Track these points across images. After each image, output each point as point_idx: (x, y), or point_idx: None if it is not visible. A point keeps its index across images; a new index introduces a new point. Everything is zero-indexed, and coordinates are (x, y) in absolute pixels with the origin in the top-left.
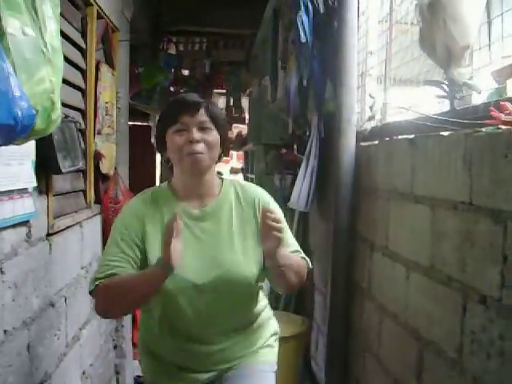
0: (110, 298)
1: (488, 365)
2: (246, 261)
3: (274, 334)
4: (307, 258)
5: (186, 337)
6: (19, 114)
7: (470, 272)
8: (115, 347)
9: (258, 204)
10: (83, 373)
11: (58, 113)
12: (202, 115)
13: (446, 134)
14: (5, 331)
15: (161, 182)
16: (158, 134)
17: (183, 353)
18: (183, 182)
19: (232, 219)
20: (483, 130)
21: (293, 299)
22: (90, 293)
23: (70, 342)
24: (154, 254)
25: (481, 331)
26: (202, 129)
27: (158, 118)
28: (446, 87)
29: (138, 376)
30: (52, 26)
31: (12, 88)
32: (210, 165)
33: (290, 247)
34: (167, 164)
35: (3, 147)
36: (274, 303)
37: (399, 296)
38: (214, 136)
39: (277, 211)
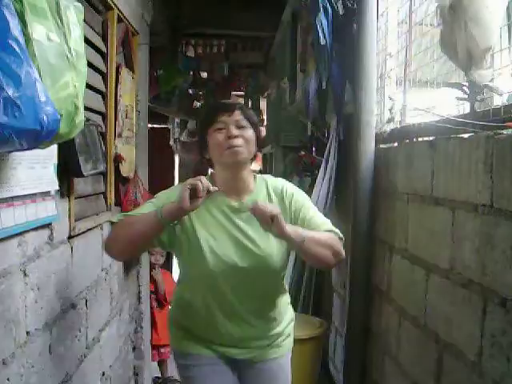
0: (119, 228)
1: (508, 368)
2: (277, 247)
3: (292, 320)
4: (336, 230)
5: (218, 313)
6: (45, 119)
7: (490, 275)
8: (134, 349)
9: (285, 194)
10: (103, 374)
11: (80, 117)
12: (238, 115)
13: (466, 136)
14: (27, 332)
15: (179, 179)
16: (200, 134)
17: (213, 328)
18: (223, 178)
19: None
20: (504, 132)
21: (311, 301)
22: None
23: (90, 343)
24: (193, 228)
25: (501, 334)
26: (239, 127)
27: (197, 121)
28: (466, 89)
29: (157, 377)
30: (76, 32)
31: (38, 93)
32: (247, 158)
33: (321, 227)
34: (208, 164)
35: (27, 152)
36: (293, 305)
37: (418, 299)
38: (249, 133)
39: (303, 197)
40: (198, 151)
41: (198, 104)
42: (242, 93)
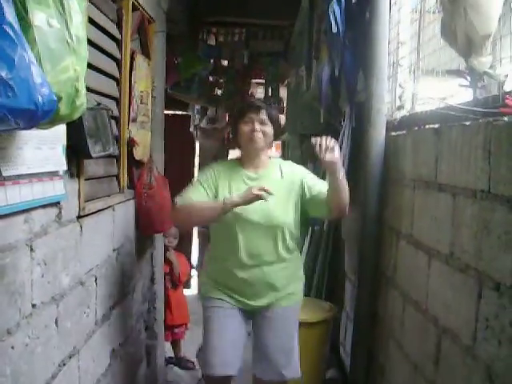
0: (186, 212)
1: (499, 352)
2: (285, 208)
3: (301, 281)
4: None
5: (241, 260)
6: (40, 99)
7: (485, 259)
8: (146, 328)
9: (294, 174)
10: (113, 351)
11: (82, 100)
12: (263, 114)
13: (468, 123)
14: (33, 305)
15: (199, 168)
16: (233, 126)
17: (235, 278)
18: (245, 156)
19: (276, 182)
20: (505, 118)
21: (324, 287)
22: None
23: (99, 320)
24: (222, 195)
25: (494, 318)
26: (262, 123)
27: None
28: (467, 76)
29: (170, 357)
30: (77, 18)
31: (33, 75)
32: (264, 148)
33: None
34: (231, 147)
35: (34, 132)
36: (306, 290)
37: (421, 284)
38: (269, 129)
39: (307, 172)
40: (217, 137)
41: (218, 91)
42: (262, 81)
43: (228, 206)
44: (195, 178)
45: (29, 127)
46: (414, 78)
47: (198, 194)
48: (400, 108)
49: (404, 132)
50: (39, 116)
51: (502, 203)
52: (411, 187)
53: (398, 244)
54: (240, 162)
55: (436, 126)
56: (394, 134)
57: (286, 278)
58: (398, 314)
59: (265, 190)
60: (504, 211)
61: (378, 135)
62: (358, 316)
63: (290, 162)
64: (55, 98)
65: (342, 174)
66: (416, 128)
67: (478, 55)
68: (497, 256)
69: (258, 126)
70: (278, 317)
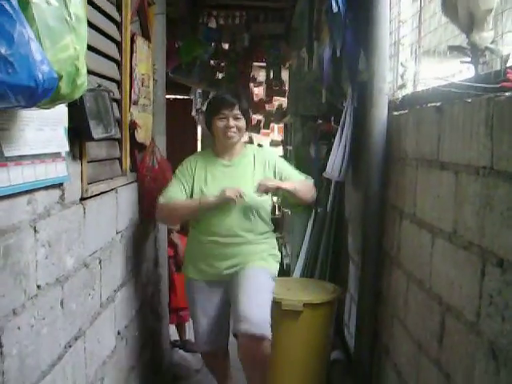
0: (167, 211)
1: (503, 328)
2: (249, 194)
3: (272, 254)
4: (309, 177)
5: (213, 235)
6: (40, 76)
7: (488, 236)
8: (151, 311)
9: (266, 160)
10: (118, 333)
11: (82, 79)
12: (237, 109)
13: (469, 100)
14: (38, 286)
15: (201, 150)
16: (207, 118)
17: (210, 247)
18: (220, 147)
19: (249, 167)
20: (506, 94)
21: (328, 268)
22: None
23: (104, 302)
24: (197, 185)
25: (497, 294)
26: (235, 119)
27: (205, 106)
28: (469, 52)
29: (175, 340)
30: None
31: (33, 52)
32: (238, 140)
33: (295, 177)
34: (211, 134)
35: (36, 113)
36: (310, 272)
37: (424, 262)
38: (242, 123)
39: (280, 160)
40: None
41: (219, 75)
42: (264, 63)
43: (203, 206)
44: (176, 172)
45: (29, 105)
46: (415, 57)
47: (178, 191)
48: (402, 87)
49: (406, 111)
50: (40, 94)
51: (505, 179)
52: (414, 166)
53: (401, 223)
54: (215, 152)
55: (438, 104)
56: (396, 113)
57: (255, 252)
58: (402, 294)
59: (239, 195)
60: (507, 187)
61: (380, 115)
62: (362, 296)
63: (264, 148)
64: (56, 76)
65: (292, 185)
66: (418, 107)
67: (479, 30)
68: (500, 232)
69: (232, 122)
70: (247, 275)
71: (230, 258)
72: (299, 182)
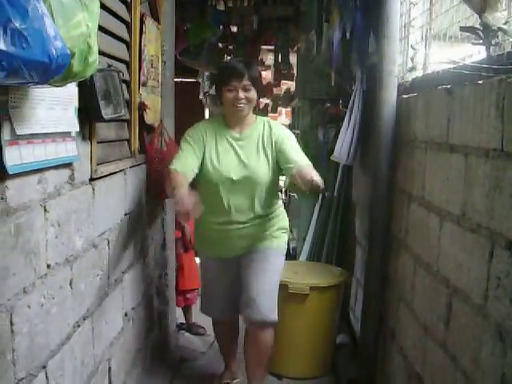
0: (168, 180)
1: (510, 310)
2: (264, 168)
3: (283, 228)
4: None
5: (222, 215)
6: (54, 52)
7: (497, 218)
8: (158, 294)
9: (274, 133)
10: (125, 314)
11: (94, 57)
12: (246, 80)
13: (481, 81)
14: (48, 265)
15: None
16: (217, 89)
17: (221, 228)
18: (230, 118)
19: (259, 141)
20: None
21: (334, 253)
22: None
23: (112, 283)
24: (208, 156)
25: (505, 276)
26: (245, 90)
27: (213, 76)
28: (481, 33)
29: (182, 323)
30: None
31: (46, 27)
32: (248, 112)
33: (301, 161)
34: (221, 104)
35: (47, 92)
36: (317, 256)
37: (432, 245)
38: (252, 94)
39: (288, 134)
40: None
41: (228, 58)
42: (272, 47)
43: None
44: (186, 138)
45: (42, 82)
46: (426, 39)
47: (189, 157)
48: (412, 70)
49: (416, 94)
50: (53, 70)
51: None
52: (423, 149)
53: (410, 206)
54: (225, 121)
55: (448, 86)
56: (405, 96)
57: (265, 229)
58: (409, 277)
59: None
60: None
61: (390, 97)
62: (369, 280)
63: (276, 123)
64: (69, 52)
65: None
66: (428, 89)
67: (492, 10)
68: (509, 214)
69: (241, 94)
70: (258, 257)
71: (241, 239)
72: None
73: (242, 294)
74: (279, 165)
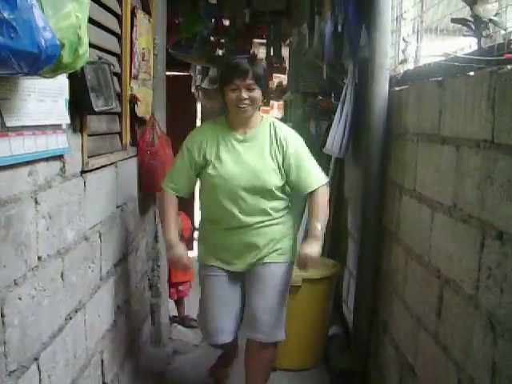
0: (160, 203)
1: (501, 300)
2: (269, 172)
3: (289, 236)
4: (323, 179)
5: (226, 220)
6: (43, 42)
7: (488, 209)
8: (151, 287)
9: (283, 139)
10: (118, 307)
11: (84, 48)
12: (250, 79)
13: (472, 73)
14: (39, 257)
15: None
16: (219, 87)
17: (225, 234)
18: (234, 119)
19: (264, 144)
20: (509, 66)
21: (327, 246)
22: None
23: (104, 276)
24: (210, 161)
25: (496, 267)
26: (249, 89)
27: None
28: (472, 25)
29: (174, 316)
30: None
31: (35, 18)
32: (253, 113)
33: (312, 184)
34: (224, 104)
35: (37, 84)
36: None
37: (424, 237)
38: (257, 93)
39: (298, 145)
40: (219, 98)
41: (219, 51)
42: (264, 40)
43: (168, 246)
44: (183, 148)
45: (32, 72)
46: (417, 31)
47: (183, 173)
48: (403, 62)
49: (407, 86)
50: (42, 60)
51: (505, 152)
52: (414, 141)
53: (401, 199)
54: (228, 122)
55: (440, 78)
56: (397, 88)
57: (271, 237)
58: (401, 269)
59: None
60: (507, 160)
61: (381, 90)
62: (361, 272)
63: (284, 126)
64: (58, 43)
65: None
66: (419, 82)
67: (483, 2)
68: (500, 205)
69: (244, 94)
70: (264, 274)
71: (246, 248)
72: (321, 208)
73: (245, 312)
74: (287, 176)
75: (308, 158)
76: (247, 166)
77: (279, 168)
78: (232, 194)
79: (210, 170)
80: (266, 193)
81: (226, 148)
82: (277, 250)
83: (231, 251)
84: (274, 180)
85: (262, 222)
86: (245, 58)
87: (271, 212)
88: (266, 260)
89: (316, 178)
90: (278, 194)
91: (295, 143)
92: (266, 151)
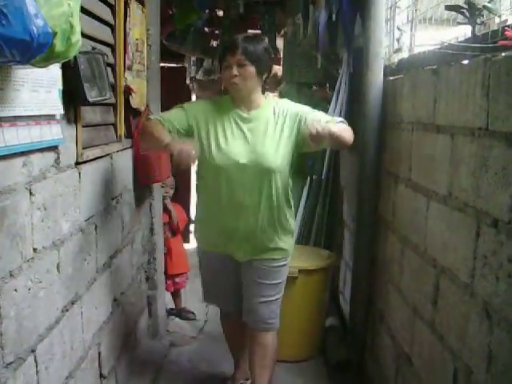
0: (144, 128)
1: (497, 288)
2: (273, 152)
3: (289, 231)
4: (343, 120)
5: (227, 205)
6: (35, 30)
7: (483, 197)
8: (147, 279)
9: (285, 108)
10: (114, 300)
11: (77, 36)
12: (240, 54)
13: (466, 61)
14: (34, 249)
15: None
16: (219, 66)
17: (224, 220)
18: (235, 97)
19: (268, 123)
20: (503, 54)
21: (323, 237)
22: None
23: (100, 268)
24: (213, 133)
25: (492, 255)
26: (239, 65)
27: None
28: (466, 12)
29: (171, 308)
30: None
31: (27, 5)
32: (248, 91)
33: (324, 118)
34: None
35: (30, 74)
36: (305, 239)
37: (420, 226)
38: (248, 70)
39: (307, 108)
40: (214, 89)
41: (214, 43)
42: (259, 31)
43: (169, 148)
44: (182, 105)
45: (24, 61)
46: (412, 20)
47: (175, 116)
48: (398, 51)
49: (402, 75)
50: (35, 48)
51: (500, 140)
52: (409, 130)
53: (397, 188)
54: (232, 100)
55: (434, 66)
56: (391, 77)
57: (271, 230)
58: (397, 259)
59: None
60: (502, 147)
61: (376, 79)
62: (357, 262)
63: (287, 100)
64: (50, 31)
65: (329, 132)
66: (414, 70)
67: None
68: (494, 192)
69: (235, 71)
70: (262, 270)
71: (244, 236)
72: (339, 125)
73: (243, 301)
74: (302, 139)
75: (318, 112)
76: (251, 145)
77: (286, 146)
78: (234, 174)
79: (212, 145)
80: (268, 175)
81: (230, 125)
82: (275, 246)
83: (230, 239)
84: (277, 161)
85: (260, 211)
86: (240, 35)
87: (271, 199)
88: (264, 256)
89: (329, 116)
90: (282, 177)
91: (297, 106)
92: (269, 129)
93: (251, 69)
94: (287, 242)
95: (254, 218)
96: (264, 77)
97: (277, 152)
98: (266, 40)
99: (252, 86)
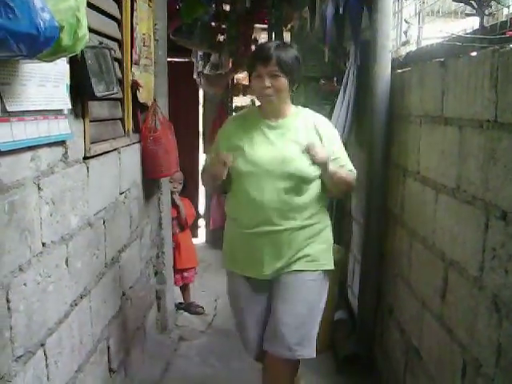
0: (203, 178)
1: (506, 280)
2: (298, 161)
3: (324, 242)
4: (354, 169)
5: (255, 215)
6: (41, 24)
7: (492, 189)
8: (156, 273)
9: (317, 124)
10: (123, 294)
11: (84, 30)
12: (273, 65)
13: (474, 53)
14: (43, 243)
15: (203, 114)
16: (248, 75)
17: (253, 233)
18: (263, 108)
19: (296, 132)
20: (511, 45)
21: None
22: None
23: (109, 262)
24: (239, 145)
25: (501, 247)
26: (272, 77)
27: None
28: (474, 3)
29: (180, 303)
30: None
31: None
32: (279, 101)
33: (340, 162)
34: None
35: (38, 68)
36: None
37: (428, 219)
38: (281, 82)
39: (335, 135)
40: (221, 84)
41: (221, 37)
42: (265, 25)
43: (210, 171)
44: (217, 136)
45: (31, 55)
46: (419, 12)
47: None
48: (405, 44)
49: (410, 68)
50: (42, 42)
51: (509, 132)
52: (417, 123)
53: (405, 182)
54: (260, 110)
55: (442, 59)
56: (399, 70)
57: (301, 240)
58: (406, 252)
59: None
60: (510, 140)
61: (384, 72)
62: (366, 256)
63: (321, 117)
64: (57, 24)
65: (331, 172)
66: (422, 63)
67: None
68: (503, 185)
69: (267, 82)
70: (290, 284)
71: (274, 250)
72: (345, 173)
73: (268, 323)
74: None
75: (341, 146)
76: (278, 152)
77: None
78: (261, 181)
79: (239, 156)
80: (295, 181)
81: (257, 135)
82: (305, 255)
83: (256, 253)
84: (305, 167)
85: (294, 218)
86: (274, 42)
87: (303, 209)
88: (294, 267)
89: (350, 165)
90: (309, 186)
91: (330, 129)
92: (299, 137)
93: (284, 80)
94: (318, 252)
95: (285, 222)
96: (294, 87)
97: (304, 158)
98: (295, 48)
99: (284, 97)
